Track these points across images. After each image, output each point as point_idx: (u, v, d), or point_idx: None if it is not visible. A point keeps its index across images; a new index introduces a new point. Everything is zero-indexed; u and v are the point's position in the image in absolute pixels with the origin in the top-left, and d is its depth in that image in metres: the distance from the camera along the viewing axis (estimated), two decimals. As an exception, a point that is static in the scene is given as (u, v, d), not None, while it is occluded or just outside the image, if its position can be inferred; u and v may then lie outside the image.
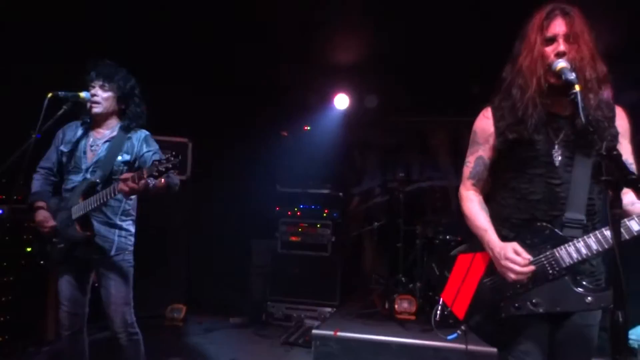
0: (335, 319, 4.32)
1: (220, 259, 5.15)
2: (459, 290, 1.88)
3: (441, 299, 1.94)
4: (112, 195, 2.39)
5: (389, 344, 3.65)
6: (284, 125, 5.58)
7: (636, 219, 1.53)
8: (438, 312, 1.92)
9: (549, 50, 1.70)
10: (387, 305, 4.35)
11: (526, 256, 1.67)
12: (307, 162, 5.28)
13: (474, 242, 1.87)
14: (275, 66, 4.90)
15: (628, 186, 1.21)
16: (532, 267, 1.66)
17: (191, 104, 4.96)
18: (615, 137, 1.71)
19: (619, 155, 1.29)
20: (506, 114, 1.79)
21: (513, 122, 1.76)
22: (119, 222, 2.64)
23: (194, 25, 4.32)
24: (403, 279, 4.59)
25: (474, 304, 1.83)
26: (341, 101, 5.52)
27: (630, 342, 3.50)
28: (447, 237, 4.45)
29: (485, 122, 1.87)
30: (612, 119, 1.73)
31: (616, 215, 1.21)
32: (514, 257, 1.67)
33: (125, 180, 2.27)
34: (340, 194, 5.29)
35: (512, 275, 1.67)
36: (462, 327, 1.87)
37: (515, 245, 1.70)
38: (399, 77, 5.02)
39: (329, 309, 4.68)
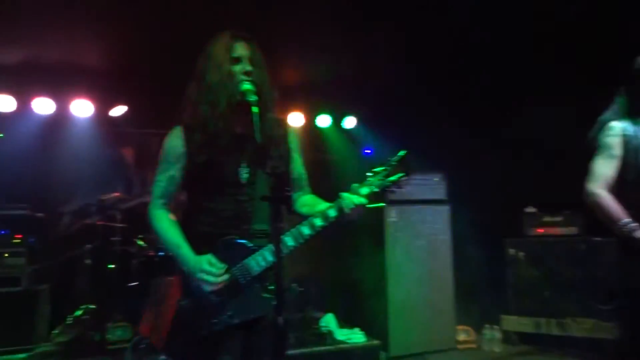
0: (30, 365, 3.62)
1: None
2: (155, 319, 1.82)
3: (138, 332, 1.85)
4: None
5: (97, 379, 3.28)
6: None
7: (313, 220, 1.73)
8: (134, 346, 1.81)
9: (237, 69, 1.82)
10: (98, 336, 3.89)
11: (220, 265, 1.74)
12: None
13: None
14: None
15: (282, 202, 1.36)
16: (226, 276, 1.74)
17: None
18: (287, 153, 1.95)
19: (282, 173, 1.44)
20: (196, 135, 1.83)
21: (203, 144, 1.81)
22: None
23: None
24: (119, 303, 4.20)
25: (173, 329, 1.79)
26: (42, 106, 4.77)
27: (322, 328, 4.11)
28: (168, 253, 4.30)
29: (175, 142, 1.87)
30: (285, 137, 1.96)
31: (277, 228, 1.34)
32: (209, 268, 1.72)
33: None
34: (41, 214, 4.51)
35: (209, 286, 1.73)
36: (162, 357, 1.82)
37: (209, 257, 1.75)
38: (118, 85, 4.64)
39: (23, 355, 3.88)
